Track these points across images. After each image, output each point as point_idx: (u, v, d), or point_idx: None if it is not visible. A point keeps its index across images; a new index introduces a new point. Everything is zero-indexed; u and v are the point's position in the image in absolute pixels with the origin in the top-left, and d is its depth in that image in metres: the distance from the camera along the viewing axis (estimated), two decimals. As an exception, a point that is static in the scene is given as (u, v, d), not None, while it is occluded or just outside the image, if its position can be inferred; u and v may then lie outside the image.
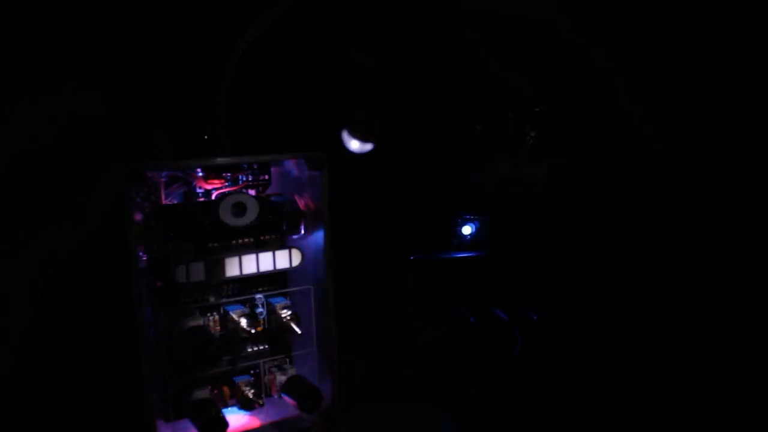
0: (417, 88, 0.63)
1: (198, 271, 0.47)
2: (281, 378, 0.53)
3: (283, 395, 0.53)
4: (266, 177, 0.52)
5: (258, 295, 0.52)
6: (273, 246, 0.51)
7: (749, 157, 0.37)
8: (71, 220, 0.38)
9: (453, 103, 0.68)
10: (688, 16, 0.36)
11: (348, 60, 0.45)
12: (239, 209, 0.49)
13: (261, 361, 0.53)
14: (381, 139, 0.47)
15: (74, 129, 0.38)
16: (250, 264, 0.49)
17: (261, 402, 0.52)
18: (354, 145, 0.46)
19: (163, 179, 0.49)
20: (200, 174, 0.49)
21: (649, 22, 0.36)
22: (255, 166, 0.51)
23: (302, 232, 0.52)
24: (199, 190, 0.50)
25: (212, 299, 0.50)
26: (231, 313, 0.50)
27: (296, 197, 0.52)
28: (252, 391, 0.51)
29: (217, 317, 0.51)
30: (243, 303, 0.51)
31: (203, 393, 0.50)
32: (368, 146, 0.46)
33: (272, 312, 0.51)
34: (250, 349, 0.52)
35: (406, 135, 0.67)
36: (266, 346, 0.53)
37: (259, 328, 0.51)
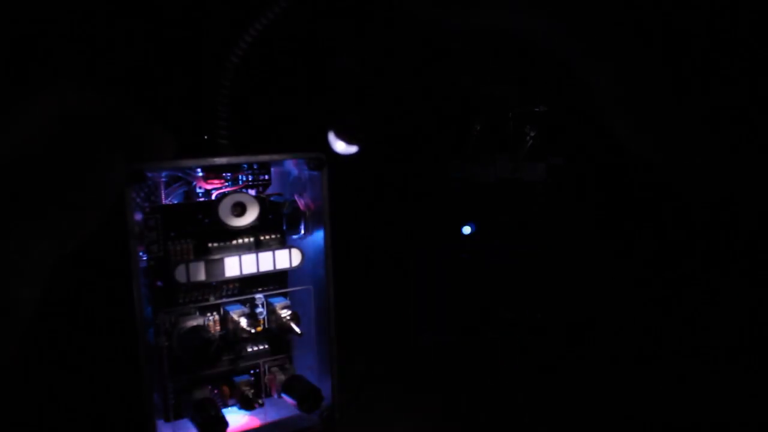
0: (417, 87, 0.63)
1: (198, 271, 0.47)
2: (281, 378, 0.53)
3: (283, 395, 0.53)
4: (266, 177, 0.52)
5: (258, 295, 0.52)
6: (273, 246, 0.51)
7: (746, 158, 0.37)
8: (71, 219, 0.37)
9: (453, 103, 0.68)
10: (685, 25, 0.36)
11: (338, 65, 0.45)
12: (239, 209, 0.49)
13: (261, 361, 0.53)
14: (366, 142, 0.47)
15: (74, 128, 0.38)
16: (250, 264, 0.49)
17: (261, 402, 0.52)
18: (339, 146, 0.46)
19: (163, 179, 0.49)
20: (200, 174, 0.49)
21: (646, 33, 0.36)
22: (255, 166, 0.51)
23: (302, 232, 0.52)
24: (199, 190, 0.50)
25: (212, 299, 0.50)
26: (231, 313, 0.50)
27: (296, 197, 0.52)
28: (252, 391, 0.51)
29: (217, 317, 0.51)
30: (243, 303, 0.51)
31: (203, 393, 0.50)
32: (353, 149, 0.46)
33: (272, 312, 0.51)
34: (250, 349, 0.52)
35: (406, 135, 0.67)
36: (266, 346, 0.53)
37: (259, 328, 0.51)
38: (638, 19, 0.35)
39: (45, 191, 0.37)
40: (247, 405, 0.51)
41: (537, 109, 0.66)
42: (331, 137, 0.46)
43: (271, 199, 0.51)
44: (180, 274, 0.47)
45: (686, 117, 0.36)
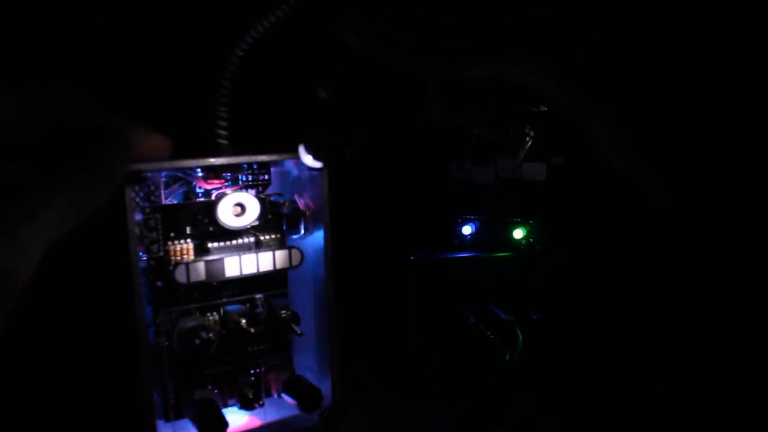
0: (417, 88, 0.63)
1: (198, 271, 0.47)
2: (281, 378, 0.53)
3: (283, 395, 0.53)
4: (266, 177, 0.52)
5: (258, 295, 0.52)
6: (273, 246, 0.51)
7: (743, 159, 0.37)
8: (71, 219, 0.37)
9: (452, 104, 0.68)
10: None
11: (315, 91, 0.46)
12: (239, 209, 0.49)
13: (261, 361, 0.53)
14: (333, 161, 0.48)
15: (74, 128, 0.38)
16: (250, 264, 0.49)
17: (261, 402, 0.52)
18: (307, 160, 0.48)
19: (163, 179, 0.49)
20: (200, 174, 0.49)
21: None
22: (255, 166, 0.51)
23: (302, 232, 0.52)
24: (199, 190, 0.50)
25: (212, 299, 0.50)
26: (231, 313, 0.50)
27: (296, 197, 0.52)
28: (252, 391, 0.51)
29: (217, 317, 0.51)
30: (243, 303, 0.51)
31: (203, 393, 0.50)
32: (319, 164, 0.48)
33: (272, 312, 0.51)
34: (250, 349, 0.52)
35: (405, 136, 0.67)
36: (266, 346, 0.53)
37: (259, 328, 0.51)
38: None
39: (45, 191, 0.37)
40: (247, 405, 0.51)
41: (537, 109, 0.66)
42: (301, 151, 0.48)
43: (271, 199, 0.51)
44: (180, 274, 0.47)
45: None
